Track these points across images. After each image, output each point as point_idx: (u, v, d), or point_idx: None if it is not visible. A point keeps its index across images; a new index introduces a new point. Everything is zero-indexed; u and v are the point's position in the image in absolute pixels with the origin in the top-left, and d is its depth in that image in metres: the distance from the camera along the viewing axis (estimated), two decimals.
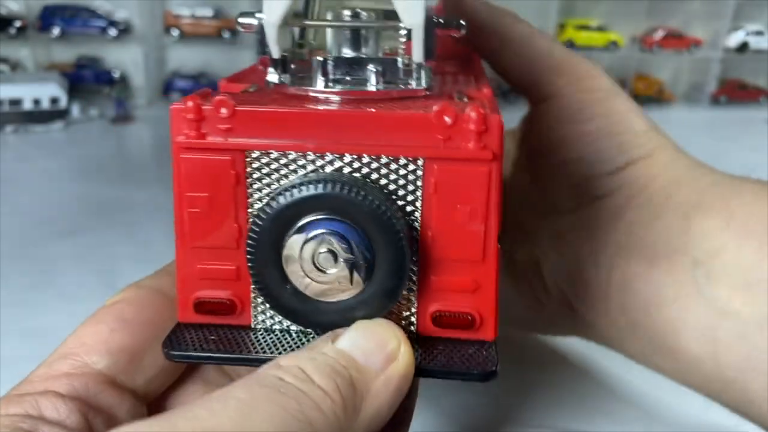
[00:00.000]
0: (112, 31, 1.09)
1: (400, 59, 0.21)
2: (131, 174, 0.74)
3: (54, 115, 0.96)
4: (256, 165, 0.19)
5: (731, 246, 0.25)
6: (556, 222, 0.31)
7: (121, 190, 0.67)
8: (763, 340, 0.24)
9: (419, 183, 0.19)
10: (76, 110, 1.00)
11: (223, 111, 0.18)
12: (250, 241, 0.19)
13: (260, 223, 0.18)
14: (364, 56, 0.21)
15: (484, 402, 0.33)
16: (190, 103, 0.18)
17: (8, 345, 0.38)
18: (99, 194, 0.66)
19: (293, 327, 0.21)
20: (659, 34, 1.22)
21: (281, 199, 0.18)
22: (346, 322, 0.19)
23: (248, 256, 0.19)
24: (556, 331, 0.33)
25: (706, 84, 1.24)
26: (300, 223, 0.18)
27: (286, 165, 0.19)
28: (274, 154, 0.19)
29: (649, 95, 1.21)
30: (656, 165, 0.29)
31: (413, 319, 0.20)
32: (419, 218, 0.19)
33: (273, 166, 0.19)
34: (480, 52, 0.32)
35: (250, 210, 0.19)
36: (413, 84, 0.21)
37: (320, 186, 0.18)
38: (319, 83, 0.20)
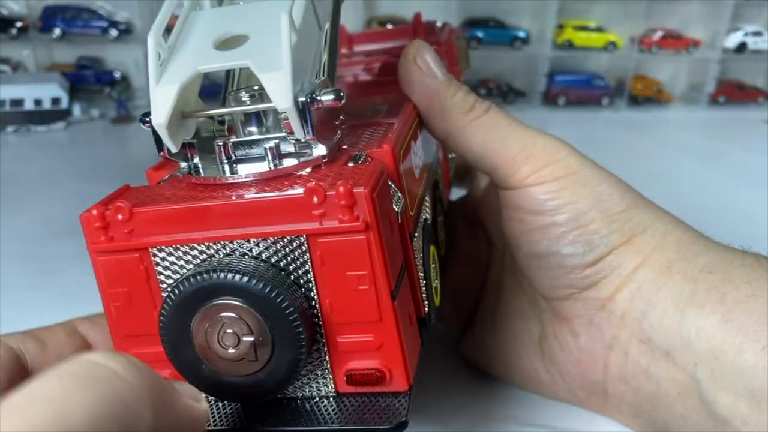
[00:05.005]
0: (113, 32, 1.09)
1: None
2: (132, 174, 0.74)
3: (55, 115, 0.96)
4: (161, 256, 0.20)
5: (731, 348, 0.24)
6: (551, 303, 0.30)
7: None
8: None
9: (307, 257, 0.19)
10: (77, 111, 1.00)
11: (120, 217, 0.20)
12: (161, 330, 0.20)
13: (165, 314, 0.20)
14: (258, 136, 0.22)
15: (484, 401, 0.33)
16: (94, 212, 0.20)
17: None
18: (100, 194, 0.65)
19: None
20: (658, 35, 1.22)
21: (178, 290, 0.19)
22: (261, 393, 0.20)
23: (163, 342, 0.20)
24: (558, 398, 0.33)
25: (704, 84, 1.24)
26: (201, 309, 0.19)
27: (184, 254, 0.20)
28: (171, 248, 0.20)
29: (647, 96, 1.21)
30: (639, 250, 0.27)
31: (330, 378, 0.21)
32: (315, 289, 0.20)
33: (174, 257, 0.20)
34: (435, 134, 0.29)
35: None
36: (310, 153, 0.21)
37: (214, 275, 0.19)
38: (219, 170, 0.22)
